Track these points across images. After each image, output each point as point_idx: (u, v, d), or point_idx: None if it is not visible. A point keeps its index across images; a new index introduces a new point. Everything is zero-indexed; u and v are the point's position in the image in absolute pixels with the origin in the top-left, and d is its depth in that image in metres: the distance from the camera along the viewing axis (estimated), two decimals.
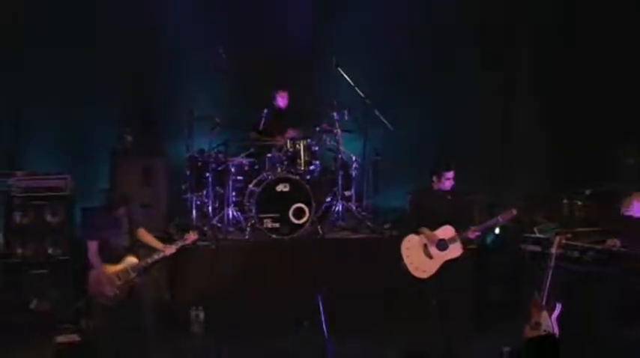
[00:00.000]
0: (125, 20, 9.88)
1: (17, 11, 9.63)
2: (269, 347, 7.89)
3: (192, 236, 7.55)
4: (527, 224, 8.78)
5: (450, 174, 7.86)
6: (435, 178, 7.85)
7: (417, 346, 7.50)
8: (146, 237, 7.52)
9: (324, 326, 7.48)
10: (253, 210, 9.04)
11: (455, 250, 7.74)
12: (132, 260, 7.38)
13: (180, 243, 7.51)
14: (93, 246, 7.33)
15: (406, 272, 7.75)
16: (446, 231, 7.74)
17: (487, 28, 10.32)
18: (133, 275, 7.33)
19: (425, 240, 7.74)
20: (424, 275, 7.72)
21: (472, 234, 7.76)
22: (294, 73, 10.04)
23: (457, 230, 7.74)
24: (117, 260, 7.36)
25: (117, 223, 7.42)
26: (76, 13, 9.76)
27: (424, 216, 7.80)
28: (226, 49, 9.69)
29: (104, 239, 7.36)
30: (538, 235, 8.50)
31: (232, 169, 9.41)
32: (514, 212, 7.76)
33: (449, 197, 7.88)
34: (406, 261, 7.78)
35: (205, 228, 9.00)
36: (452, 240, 7.74)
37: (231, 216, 9.32)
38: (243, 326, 8.17)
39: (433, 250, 7.75)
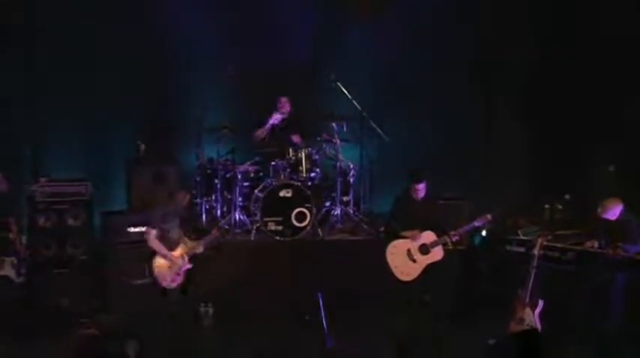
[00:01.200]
0: (140, 39, 9.85)
1: (42, 32, 9.65)
2: (273, 339, 7.88)
3: (215, 233, 7.93)
4: (511, 227, 8.83)
5: (420, 186, 7.97)
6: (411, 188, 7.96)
7: (408, 339, 7.51)
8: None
9: (323, 321, 7.55)
10: (258, 214, 9.09)
11: (436, 254, 7.83)
12: (185, 248, 7.73)
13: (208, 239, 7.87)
14: (153, 233, 7.62)
15: (392, 275, 7.82)
16: (428, 236, 7.81)
17: (473, 49, 10.34)
18: (185, 261, 7.67)
19: (409, 245, 7.80)
20: (408, 278, 7.81)
21: (452, 238, 7.83)
22: (297, 88, 10.00)
23: (438, 235, 7.81)
24: (170, 248, 7.68)
25: (173, 217, 7.74)
26: (95, 35, 9.76)
27: (403, 220, 7.86)
28: (234, 65, 9.68)
29: (164, 229, 7.67)
30: (522, 237, 8.59)
31: (239, 176, 9.43)
32: (489, 217, 7.84)
33: (423, 204, 7.94)
34: (391, 265, 7.86)
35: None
36: (433, 244, 7.81)
37: (237, 219, 9.35)
38: (248, 320, 8.19)
39: (416, 255, 7.82)
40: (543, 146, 10.13)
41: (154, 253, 7.69)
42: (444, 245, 7.92)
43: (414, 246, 7.83)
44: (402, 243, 7.83)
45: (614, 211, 7.74)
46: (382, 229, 8.85)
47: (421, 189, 7.99)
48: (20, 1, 9.47)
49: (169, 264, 7.67)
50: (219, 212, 9.50)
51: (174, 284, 7.69)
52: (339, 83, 9.61)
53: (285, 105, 9.76)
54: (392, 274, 7.87)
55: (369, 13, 10.17)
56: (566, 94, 9.92)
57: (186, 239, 7.85)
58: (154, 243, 7.66)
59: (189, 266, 7.74)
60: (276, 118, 9.68)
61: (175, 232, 7.78)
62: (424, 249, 7.82)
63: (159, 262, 7.67)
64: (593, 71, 9.70)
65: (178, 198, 7.92)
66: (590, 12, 9.75)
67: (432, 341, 7.45)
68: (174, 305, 7.69)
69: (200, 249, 7.82)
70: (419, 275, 7.80)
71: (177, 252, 7.73)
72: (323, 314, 7.54)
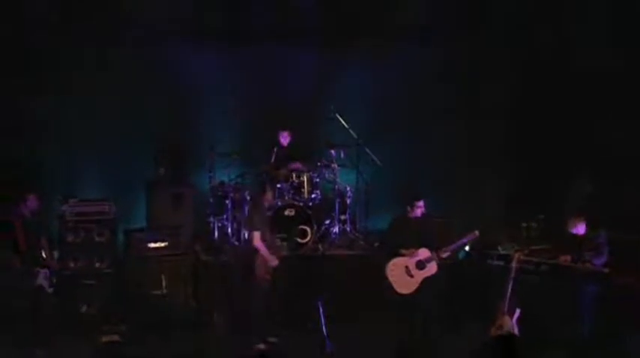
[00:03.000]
0: (163, 75, 9.93)
1: (71, 60, 9.67)
2: (278, 342, 7.88)
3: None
4: (492, 244, 8.84)
5: (420, 203, 7.98)
6: (409, 208, 7.97)
7: (404, 342, 7.58)
8: None
9: (323, 326, 7.61)
10: None
11: (431, 268, 7.83)
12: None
13: None
14: (258, 235, 7.96)
15: (391, 288, 7.85)
16: (423, 253, 7.85)
17: (457, 84, 10.34)
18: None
19: (407, 262, 7.84)
20: (407, 291, 7.81)
21: (444, 254, 7.84)
22: (300, 119, 10.08)
23: (432, 251, 7.87)
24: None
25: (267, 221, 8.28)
26: (122, 67, 9.83)
27: (401, 239, 7.91)
28: (243, 97, 9.78)
29: (264, 231, 8.04)
30: (501, 252, 8.59)
31: (247, 197, 9.44)
32: (476, 233, 7.85)
33: (421, 223, 7.99)
34: (391, 280, 7.85)
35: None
36: (428, 260, 7.85)
37: (246, 236, 9.27)
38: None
39: (413, 270, 7.85)
40: (521, 170, 10.12)
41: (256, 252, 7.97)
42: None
43: (411, 262, 7.83)
44: (401, 260, 7.84)
45: (580, 227, 7.81)
46: (377, 244, 8.89)
47: (421, 206, 8.02)
48: (50, 28, 9.40)
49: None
50: (229, 230, 9.52)
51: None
52: (337, 114, 9.70)
53: (287, 137, 9.84)
54: (392, 288, 7.89)
55: (365, 54, 10.24)
56: (543, 121, 9.91)
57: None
58: (259, 243, 7.97)
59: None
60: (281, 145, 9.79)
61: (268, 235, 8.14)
62: (420, 265, 7.83)
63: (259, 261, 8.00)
64: (567, 100, 9.72)
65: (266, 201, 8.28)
66: (564, 48, 9.79)
67: (427, 345, 7.50)
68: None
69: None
70: (416, 289, 7.85)
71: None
72: (323, 320, 7.58)
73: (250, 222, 8.27)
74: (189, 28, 9.91)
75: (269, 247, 8.12)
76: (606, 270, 7.65)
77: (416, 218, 7.98)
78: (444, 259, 7.88)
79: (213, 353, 7.77)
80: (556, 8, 9.75)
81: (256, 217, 8.18)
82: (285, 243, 9.09)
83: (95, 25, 9.45)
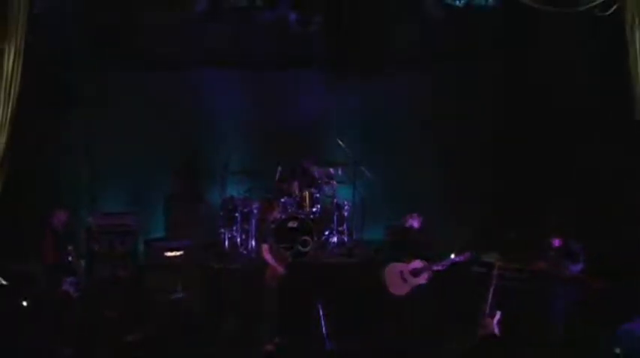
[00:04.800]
0: (177, 102, 9.98)
1: (98, 91, 9.73)
2: (279, 344, 7.81)
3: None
4: (476, 253, 8.83)
5: (414, 215, 8.07)
6: (403, 220, 8.08)
7: (397, 343, 7.60)
8: None
9: (323, 328, 7.63)
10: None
11: (423, 278, 7.90)
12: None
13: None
14: (266, 247, 8.00)
15: (385, 287, 7.88)
16: (419, 263, 7.90)
17: (445, 113, 10.27)
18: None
19: (403, 268, 7.87)
20: (398, 293, 7.88)
21: (437, 267, 7.93)
22: (303, 140, 10.17)
23: (426, 263, 7.89)
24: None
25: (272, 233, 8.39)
26: (141, 97, 9.90)
27: (398, 248, 7.95)
28: (251, 120, 9.82)
29: (271, 243, 8.08)
30: (483, 260, 8.61)
31: (255, 211, 9.50)
32: (469, 255, 7.94)
33: (416, 235, 8.03)
34: (386, 280, 7.93)
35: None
36: (423, 269, 7.89)
37: (254, 245, 9.43)
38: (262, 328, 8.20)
39: (408, 276, 7.89)
40: (505, 189, 10.05)
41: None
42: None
43: (407, 268, 7.91)
44: (399, 265, 7.93)
45: (556, 240, 7.86)
46: (374, 248, 8.85)
47: (413, 218, 8.08)
48: (80, 55, 9.40)
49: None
50: (239, 240, 9.53)
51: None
52: (341, 142, 9.76)
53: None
54: (385, 287, 7.92)
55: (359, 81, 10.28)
56: (526, 148, 9.83)
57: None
58: (267, 255, 7.97)
59: None
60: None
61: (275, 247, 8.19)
62: (415, 273, 7.90)
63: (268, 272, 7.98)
64: (547, 128, 9.61)
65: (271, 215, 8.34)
66: (544, 86, 9.71)
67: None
68: None
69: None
70: (406, 293, 7.87)
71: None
72: (323, 322, 7.59)
73: (259, 234, 8.28)
74: (207, 58, 9.95)
75: (276, 256, 8.13)
76: (582, 276, 7.66)
77: (412, 229, 8.03)
78: (436, 271, 7.91)
79: (225, 353, 7.75)
80: (536, 39, 9.70)
81: (264, 230, 8.21)
82: (288, 252, 9.10)
83: (122, 53, 9.46)
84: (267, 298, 8.02)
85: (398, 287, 7.91)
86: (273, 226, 8.79)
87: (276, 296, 8.05)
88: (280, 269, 8.07)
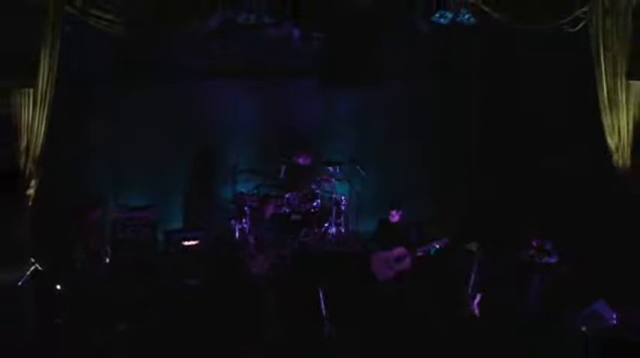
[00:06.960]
0: (195, 107, 9.94)
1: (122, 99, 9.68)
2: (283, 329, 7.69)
3: None
4: (459, 243, 8.81)
5: (394, 212, 8.11)
6: (389, 214, 8.12)
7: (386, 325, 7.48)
8: None
9: (323, 312, 7.58)
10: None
11: (407, 264, 7.92)
12: None
13: None
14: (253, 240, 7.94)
15: (373, 274, 7.92)
16: (401, 250, 7.92)
17: (429, 116, 10.29)
18: None
19: (388, 256, 7.90)
20: (384, 278, 7.94)
21: (418, 253, 7.95)
22: (304, 143, 10.12)
23: (408, 250, 7.91)
24: None
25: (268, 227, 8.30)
26: (163, 104, 9.82)
27: (385, 239, 7.97)
28: (259, 124, 9.83)
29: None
30: (466, 248, 8.60)
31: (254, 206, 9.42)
32: (446, 241, 7.96)
33: (400, 226, 8.05)
34: (373, 267, 7.97)
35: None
36: (405, 256, 7.91)
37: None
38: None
39: (392, 263, 7.92)
40: (483, 187, 9.95)
41: None
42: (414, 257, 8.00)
43: (392, 255, 7.93)
44: (384, 253, 7.95)
45: (535, 240, 7.84)
46: (366, 240, 8.91)
47: (394, 214, 8.11)
48: (107, 68, 9.37)
49: None
50: (247, 230, 9.47)
51: None
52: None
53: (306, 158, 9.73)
54: (373, 274, 7.95)
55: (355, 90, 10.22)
56: (503, 154, 9.81)
57: None
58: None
59: None
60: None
61: None
62: (399, 260, 7.92)
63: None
64: (518, 137, 9.64)
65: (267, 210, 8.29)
66: (511, 95, 9.73)
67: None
68: None
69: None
70: (391, 277, 7.89)
71: None
72: (323, 306, 7.57)
73: (254, 228, 8.16)
74: (219, 70, 9.92)
75: (265, 249, 8.02)
76: (554, 264, 7.67)
77: (395, 222, 8.02)
78: (419, 257, 7.92)
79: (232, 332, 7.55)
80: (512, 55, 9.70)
81: (259, 224, 8.11)
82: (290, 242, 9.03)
83: (146, 66, 9.36)
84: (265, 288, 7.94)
85: (383, 274, 7.95)
86: (270, 220, 8.70)
87: (275, 284, 7.97)
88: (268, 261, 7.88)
